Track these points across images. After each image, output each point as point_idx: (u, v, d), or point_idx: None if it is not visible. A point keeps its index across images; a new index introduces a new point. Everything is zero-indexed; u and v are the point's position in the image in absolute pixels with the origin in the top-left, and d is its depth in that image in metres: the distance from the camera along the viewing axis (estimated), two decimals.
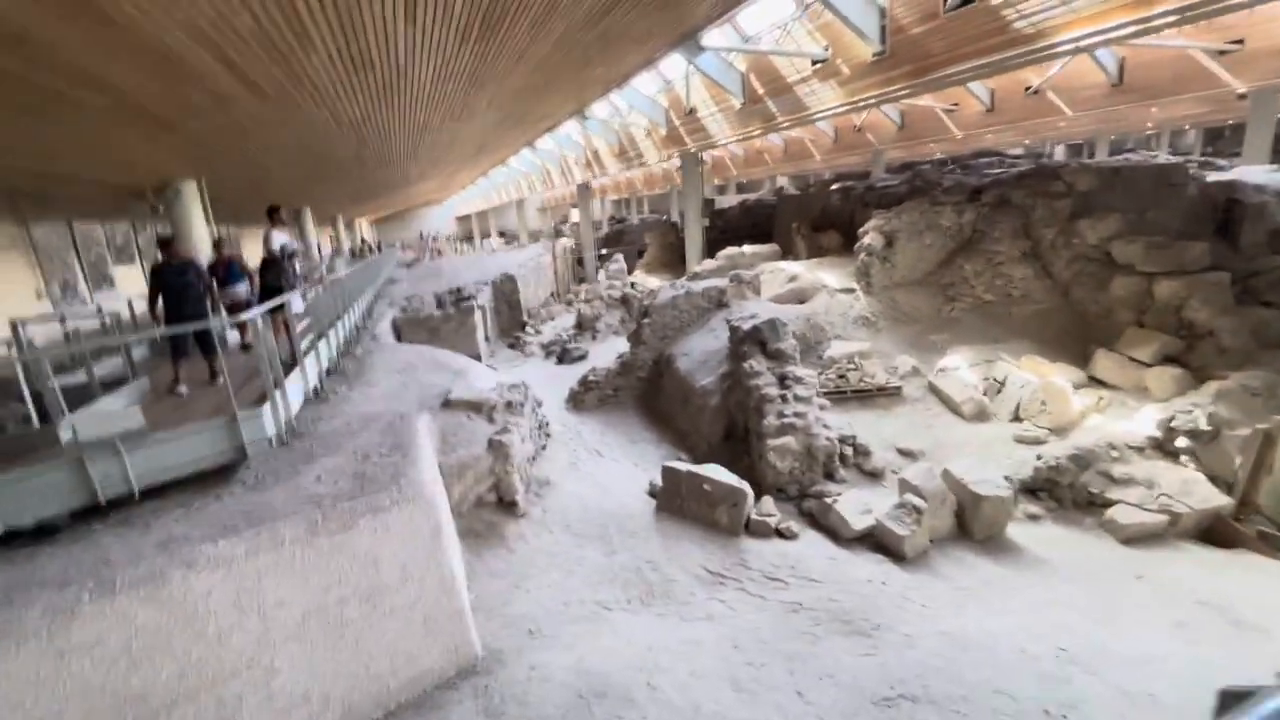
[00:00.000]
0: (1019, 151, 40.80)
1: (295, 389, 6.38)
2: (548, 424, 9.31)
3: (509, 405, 7.92)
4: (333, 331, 9.30)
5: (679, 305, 10.56)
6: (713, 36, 13.41)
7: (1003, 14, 7.79)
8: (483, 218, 58.07)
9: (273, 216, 8.19)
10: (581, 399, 10.78)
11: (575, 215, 62.53)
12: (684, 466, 7.00)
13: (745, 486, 6.69)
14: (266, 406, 5.28)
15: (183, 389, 6.07)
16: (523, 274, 19.21)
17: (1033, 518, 6.73)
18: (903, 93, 9.98)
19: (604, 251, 25.48)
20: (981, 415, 8.47)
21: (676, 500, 6.97)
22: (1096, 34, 6.98)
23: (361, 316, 14.20)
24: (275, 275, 7.39)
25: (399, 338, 14.83)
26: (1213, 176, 11.51)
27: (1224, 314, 7.43)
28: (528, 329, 17.18)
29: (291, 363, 6.83)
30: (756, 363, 8.17)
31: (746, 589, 5.82)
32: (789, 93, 12.11)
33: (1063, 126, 25.86)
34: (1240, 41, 14.51)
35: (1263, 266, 8.20)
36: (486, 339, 16.61)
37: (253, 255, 27.90)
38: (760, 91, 12.89)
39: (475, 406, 7.76)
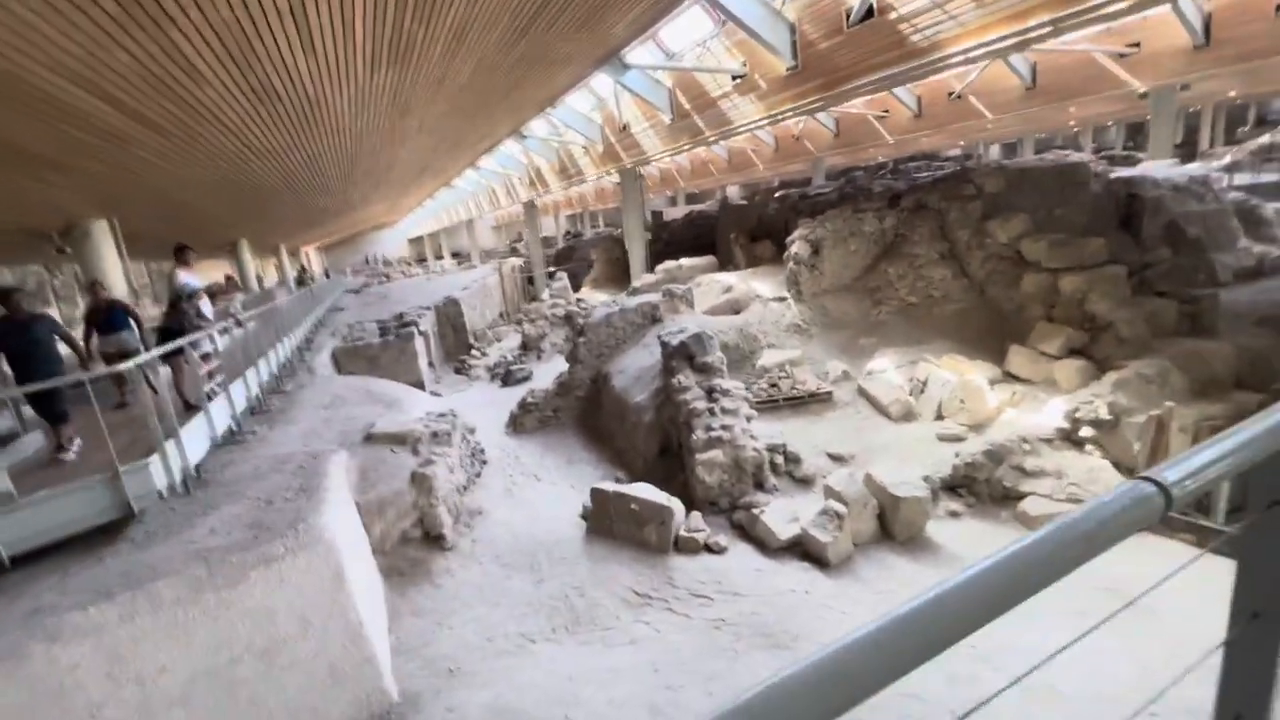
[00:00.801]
0: (955, 152, 42.43)
1: (197, 436, 6.13)
2: (482, 451, 9.17)
3: (435, 436, 7.77)
4: (252, 370, 8.99)
5: (613, 323, 10.56)
6: (637, 55, 13.60)
7: (899, 29, 8.08)
8: (435, 239, 57.38)
9: (179, 256, 7.89)
10: (521, 422, 10.66)
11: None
12: (611, 487, 6.96)
13: (673, 503, 6.68)
14: (155, 458, 5.04)
15: (70, 454, 5.72)
16: (467, 296, 18.99)
17: (953, 515, 6.89)
18: (815, 105, 10.25)
19: (552, 270, 25.41)
20: (908, 416, 8.66)
21: (606, 522, 6.92)
22: (981, 46, 7.29)
23: (295, 350, 13.82)
24: (176, 318, 7.09)
25: (339, 369, 14.46)
26: (1115, 173, 12.14)
27: (1121, 306, 7.78)
28: (473, 352, 16.95)
29: (195, 408, 6.59)
30: (685, 377, 8.21)
31: (672, 608, 5.79)
32: (713, 107, 12.32)
33: (990, 128, 27.04)
34: (1137, 45, 15.37)
35: (1155, 259, 8.63)
36: (431, 365, 16.33)
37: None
38: (687, 107, 13.08)
39: (399, 439, 7.60)
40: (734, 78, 11.37)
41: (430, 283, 27.55)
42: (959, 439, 7.76)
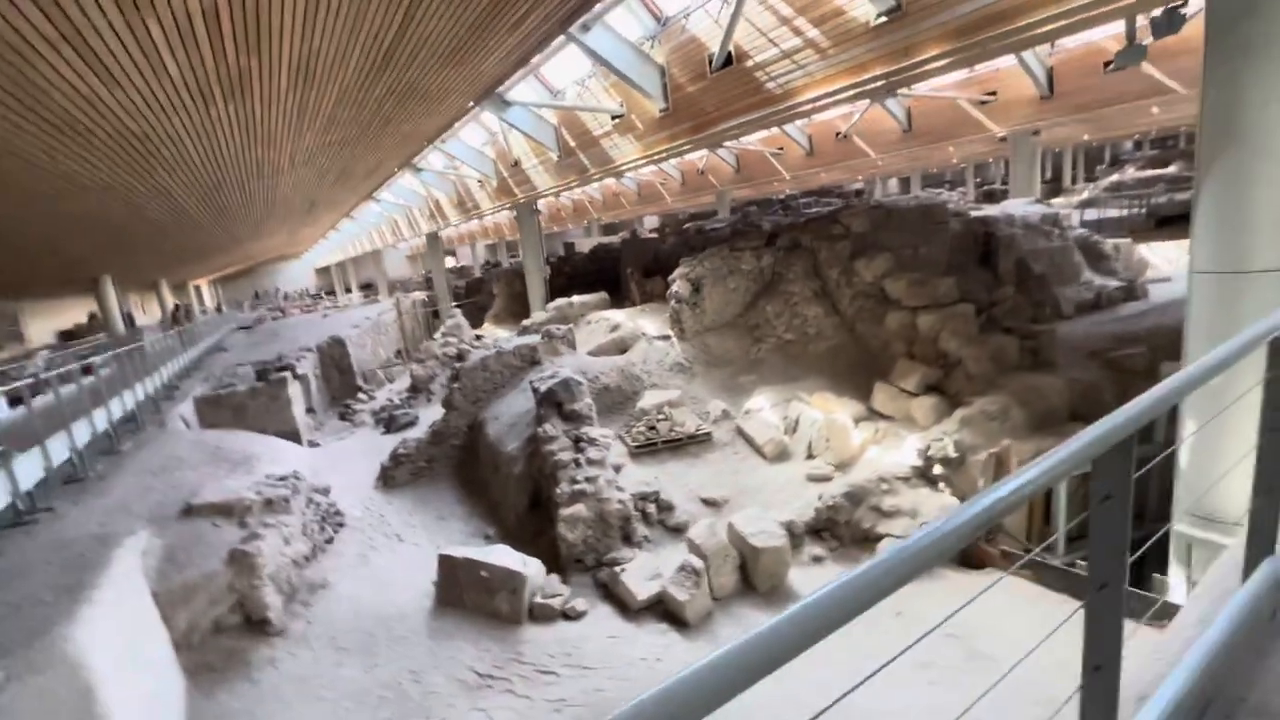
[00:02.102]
0: (858, 186, 44.99)
1: None
2: (338, 513, 8.42)
3: (269, 504, 7.01)
4: (60, 435, 7.89)
5: (489, 366, 10.10)
6: (520, 91, 13.41)
7: (755, 76, 8.25)
8: (343, 270, 54.87)
9: None
10: (392, 475, 9.95)
11: (449, 261, 60.80)
12: (460, 553, 6.45)
13: (528, 567, 6.25)
14: None
15: None
16: (356, 335, 17.96)
17: (816, 559, 6.82)
18: (686, 146, 10.35)
19: (455, 304, 24.60)
20: (782, 455, 8.64)
21: (455, 591, 6.39)
22: (827, 95, 7.53)
23: (143, 402, 12.46)
24: None
25: (202, 422, 13.15)
26: (975, 212, 12.93)
27: (969, 343, 8.11)
28: (360, 395, 15.94)
29: None
30: (552, 426, 7.85)
31: (514, 689, 5.33)
32: (596, 146, 12.27)
33: (882, 164, 28.75)
34: (994, 93, 16.68)
35: (1000, 296, 9.11)
36: (311, 410, 15.20)
37: (45, 331, 24.26)
38: (572, 144, 12.98)
39: (224, 511, 6.79)
40: (613, 117, 11.36)
41: (326, 320, 26.05)
42: (826, 479, 7.77)
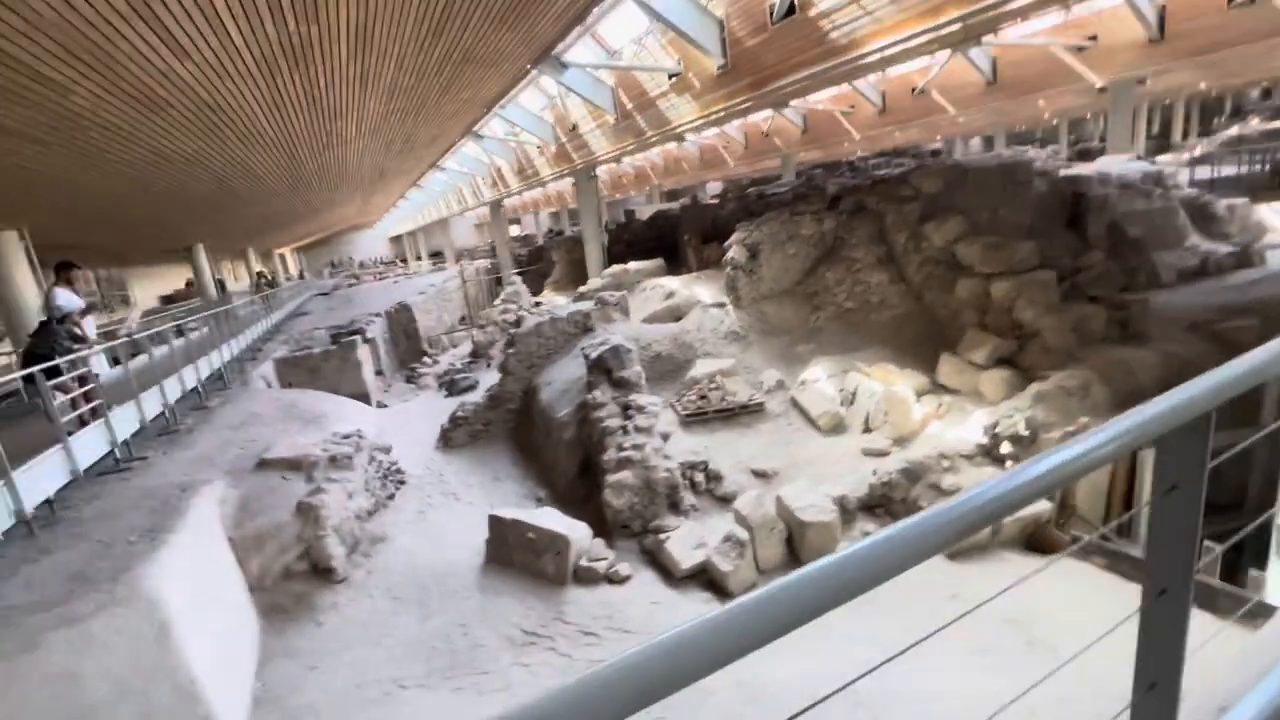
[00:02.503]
0: (936, 146, 42.22)
1: (48, 470, 5.70)
2: (399, 471, 8.79)
3: (333, 460, 7.38)
4: (154, 389, 8.55)
5: (544, 332, 10.19)
6: (577, 53, 13.18)
7: (819, 25, 7.73)
8: (414, 239, 56.72)
9: (60, 273, 7.44)
10: (451, 437, 10.29)
11: (514, 229, 61.79)
12: (510, 514, 6.61)
13: (574, 531, 6.34)
14: None
15: None
16: (421, 301, 18.55)
17: (868, 536, 6.57)
18: (745, 105, 9.90)
19: (520, 271, 24.97)
20: (838, 428, 8.35)
21: (504, 550, 6.57)
22: (897, 43, 6.96)
23: (229, 361, 13.36)
24: (46, 341, 6.63)
25: (281, 381, 14.00)
26: (1064, 171, 11.85)
27: (1048, 312, 7.48)
28: (425, 359, 16.53)
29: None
30: (601, 393, 7.86)
31: (557, 648, 5.46)
32: (653, 107, 11.94)
33: (963, 122, 26.80)
34: (1094, 38, 15.09)
35: (1087, 262, 8.34)
36: (381, 373, 15.89)
37: (149, 296, 26.34)
38: (629, 106, 12.69)
39: (293, 465, 7.21)
40: (670, 76, 10.99)
41: (396, 286, 27.08)
42: (883, 454, 7.45)
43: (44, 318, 7.06)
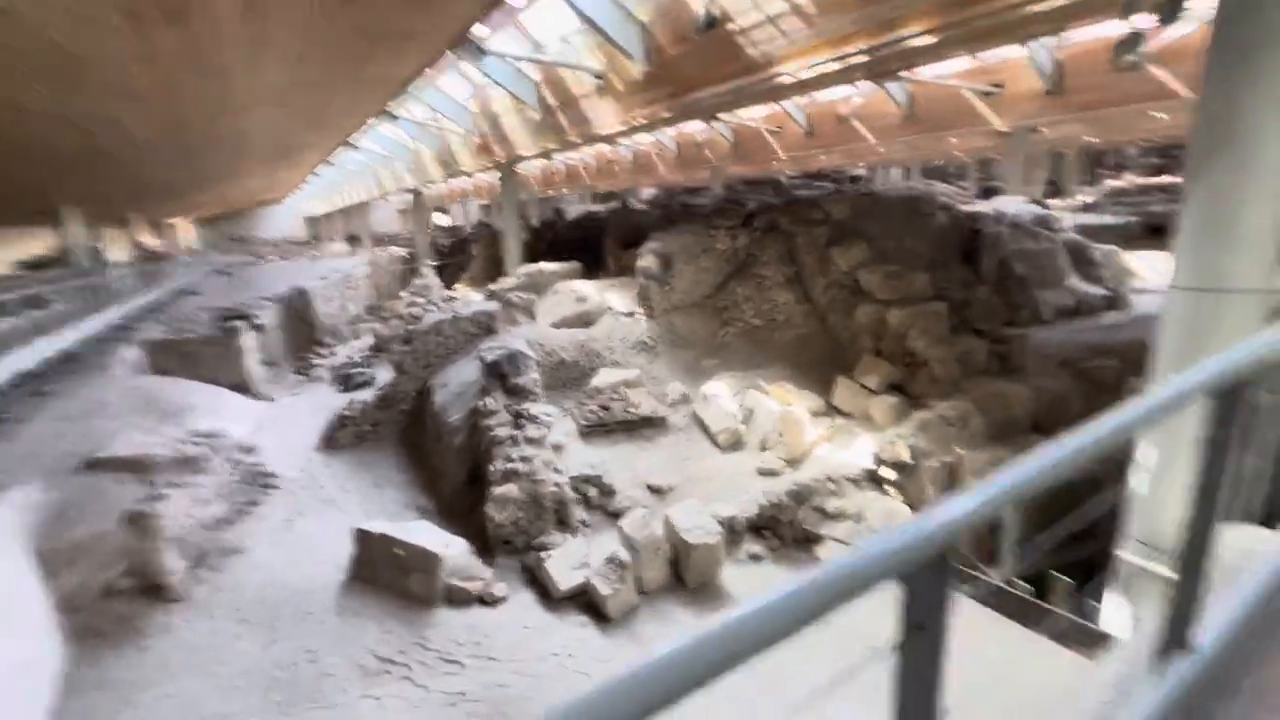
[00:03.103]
0: (862, 172, 44.14)
1: None
2: (265, 474, 8.01)
3: (183, 462, 6.60)
4: None
5: (443, 331, 9.65)
6: (500, 42, 12.68)
7: (738, 41, 7.69)
8: (331, 220, 53.62)
9: None
10: (335, 437, 9.55)
11: (442, 219, 59.58)
12: (378, 528, 6.10)
13: (444, 549, 5.92)
14: None
15: None
16: (322, 287, 17.37)
17: (754, 558, 6.54)
18: (664, 114, 9.77)
19: (440, 264, 23.97)
20: (736, 445, 8.33)
21: (370, 568, 6.06)
22: (810, 66, 7.01)
23: (85, 342, 11.95)
24: None
25: (152, 366, 12.61)
26: (965, 206, 12.49)
27: (937, 343, 7.77)
28: (320, 350, 15.44)
29: None
30: (494, 399, 7.47)
31: (413, 677, 5.03)
32: (575, 107, 11.63)
33: (881, 152, 28.09)
34: (1000, 84, 16.08)
35: (974, 296, 8.75)
36: (270, 363, 14.69)
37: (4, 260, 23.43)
38: (553, 104, 12.33)
39: (131, 466, 6.39)
40: (595, 76, 10.72)
41: (302, 269, 25.37)
42: (775, 474, 7.47)
43: None
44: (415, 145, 21.29)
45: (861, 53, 6.32)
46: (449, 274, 25.06)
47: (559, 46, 11.60)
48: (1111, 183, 29.25)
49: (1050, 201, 22.09)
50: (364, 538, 6.07)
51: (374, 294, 21.19)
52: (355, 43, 10.10)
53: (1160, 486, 5.16)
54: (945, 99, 17.32)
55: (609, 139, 14.73)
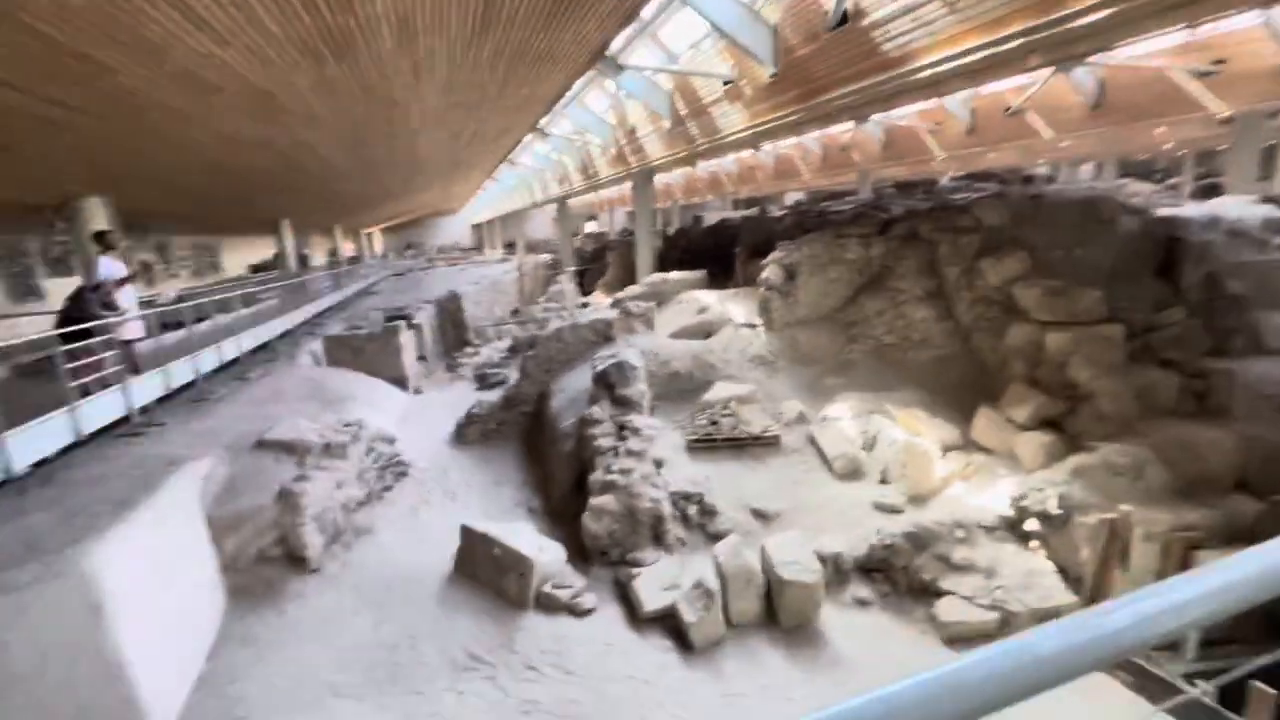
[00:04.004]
0: (1042, 170, 39.16)
1: (50, 429, 5.96)
2: (399, 463, 8.79)
3: (327, 447, 7.43)
4: (186, 359, 8.95)
5: (564, 338, 9.97)
6: (637, 55, 12.90)
7: (872, 35, 7.07)
8: (491, 227, 58.43)
9: (100, 240, 7.88)
10: (464, 432, 10.26)
11: (591, 226, 62.60)
12: (480, 527, 6.39)
13: (539, 554, 6.05)
14: None
15: None
16: (473, 291, 18.85)
17: (861, 603, 5.93)
18: (793, 117, 9.27)
19: (579, 269, 25.05)
20: (854, 474, 7.65)
21: (472, 563, 6.37)
22: (952, 58, 6.21)
23: (279, 335, 13.98)
24: (78, 307, 6.99)
25: (328, 359, 14.51)
26: (1163, 210, 10.50)
27: (1108, 373, 6.50)
28: (467, 350, 16.76)
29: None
30: (601, 408, 7.54)
31: (496, 679, 5.18)
32: (705, 114, 11.48)
33: (1064, 147, 24.65)
34: (1222, 61, 13.37)
35: (1164, 319, 7.24)
36: (423, 359, 16.23)
37: (239, 264, 28.20)
38: (683, 113, 12.29)
39: (288, 448, 7.30)
40: (725, 83, 10.51)
41: (463, 272, 27.87)
42: (895, 510, 6.74)
43: (83, 283, 7.47)
44: (560, 157, 22.46)
45: (1016, 36, 5.48)
46: (590, 280, 26.10)
47: (690, 54, 11.55)
48: None
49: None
50: (468, 534, 6.40)
51: (520, 298, 22.63)
52: (496, 66, 10.79)
53: None
54: (1146, 83, 14.80)
55: (737, 146, 14.37)
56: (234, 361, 11.41)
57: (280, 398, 9.67)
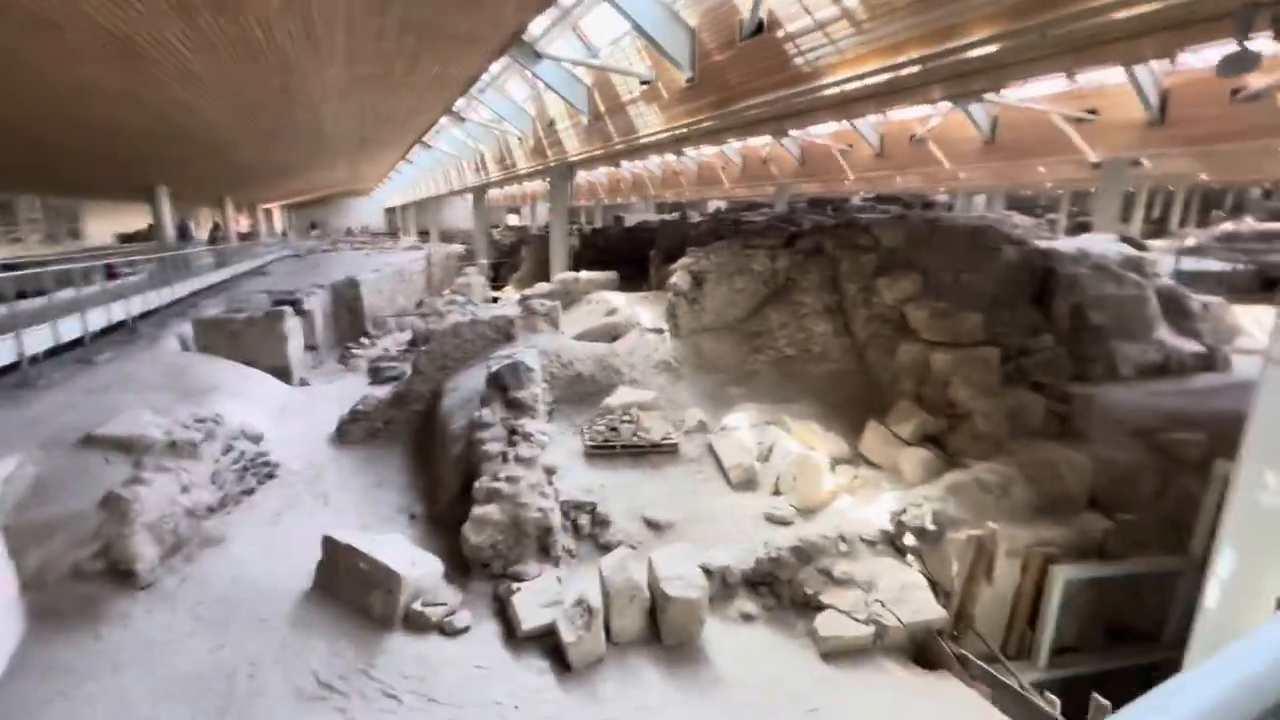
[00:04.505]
0: (942, 198, 41.93)
1: None
2: (266, 463, 7.96)
3: (173, 445, 6.56)
4: (9, 337, 7.71)
5: (463, 334, 9.43)
6: (558, 45, 12.52)
7: (785, 48, 7.10)
8: (405, 213, 55.91)
9: None
10: (347, 430, 9.49)
11: (513, 219, 61.16)
12: (344, 538, 5.82)
13: (409, 569, 5.57)
14: None
15: None
16: (374, 279, 17.73)
17: (746, 617, 5.86)
18: (707, 123, 9.25)
19: (494, 262, 24.21)
20: (749, 484, 7.65)
21: (334, 578, 5.79)
22: (857, 78, 6.32)
23: (135, 316, 12.50)
24: None
25: (200, 344, 13.09)
26: (1041, 242, 11.32)
27: (984, 395, 6.84)
28: (363, 341, 15.70)
29: None
30: (491, 411, 7.12)
31: (347, 709, 4.67)
32: (622, 113, 11.28)
33: (962, 178, 26.46)
34: (1094, 111, 14.67)
35: (1037, 344, 7.74)
36: (314, 348, 15.05)
37: (105, 232, 25.32)
38: (601, 109, 12.03)
39: (123, 445, 6.39)
40: (642, 82, 10.34)
41: (368, 258, 26.24)
42: (785, 522, 6.76)
43: None
44: (477, 145, 21.63)
45: (913, 63, 5.60)
46: (506, 274, 25.31)
47: (610, 50, 11.31)
48: (1225, 226, 26.43)
49: (1152, 242, 20.04)
50: (330, 546, 5.81)
51: (427, 288, 21.56)
52: (404, 40, 10.11)
53: (1238, 599, 4.21)
54: (1032, 124, 16.01)
55: (656, 148, 14.30)
56: (78, 342, 10.03)
57: (127, 385, 8.55)
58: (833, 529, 6.16)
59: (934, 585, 5.68)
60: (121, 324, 11.92)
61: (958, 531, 5.63)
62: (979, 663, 5.03)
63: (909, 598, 5.56)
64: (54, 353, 9.51)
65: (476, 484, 6.49)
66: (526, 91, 16.19)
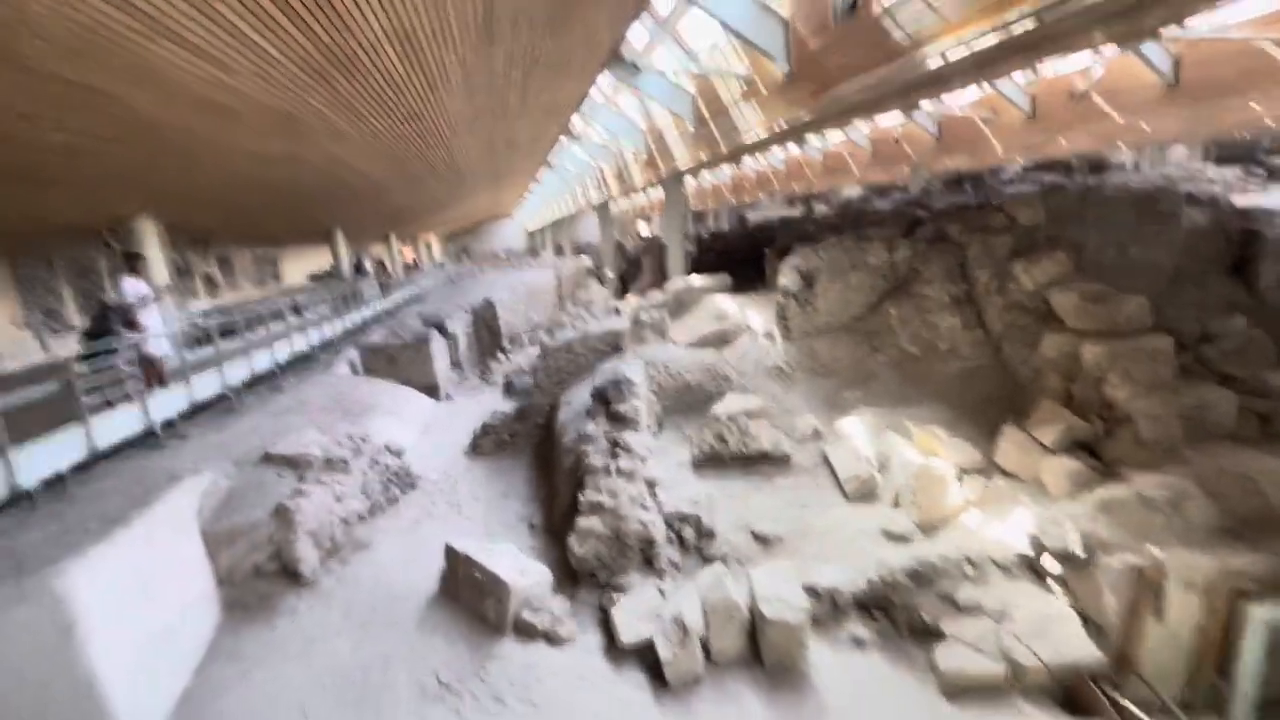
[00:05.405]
0: (1125, 159, 36.04)
1: (63, 445, 6.27)
2: (407, 475, 8.84)
3: (328, 462, 7.53)
4: (212, 371, 9.33)
5: (574, 349, 9.81)
6: (659, 56, 12.62)
7: (882, 24, 6.55)
8: (544, 233, 59.32)
9: (129, 262, 8.30)
10: (479, 443, 10.27)
11: (644, 228, 62.67)
12: (462, 548, 6.28)
13: (518, 578, 5.88)
14: None
15: None
16: (508, 298, 19.02)
17: (857, 642, 5.45)
18: (806, 116, 8.76)
19: (622, 273, 24.93)
20: (867, 496, 7.12)
21: (455, 584, 6.28)
22: (962, 43, 5.64)
23: (317, 345, 14.46)
24: (99, 326, 7.37)
25: (365, 368, 14.92)
26: (1240, 201, 9.37)
27: (1150, 392, 5.73)
28: (500, 356, 16.91)
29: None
30: (596, 425, 7.33)
31: (461, 710, 5.04)
32: (724, 115, 11.08)
33: (1146, 131, 22.62)
34: None
35: (1225, 329, 6.35)
36: (458, 365, 16.50)
37: (299, 273, 29.53)
38: (705, 115, 11.92)
39: (291, 462, 7.44)
40: (743, 82, 10.08)
41: (505, 276, 28.28)
42: (905, 539, 6.20)
43: (105, 302, 7.89)
44: (597, 163, 22.42)
45: (1023, 17, 4.89)
46: (632, 282, 25.94)
47: (709, 53, 11.17)
48: None
49: None
50: (451, 554, 6.31)
51: (559, 303, 22.72)
52: (511, 73, 10.75)
53: None
54: (1228, 57, 13.31)
55: (754, 148, 13.85)
56: (276, 372, 11.84)
57: (301, 409, 9.94)
58: (957, 548, 5.54)
59: (1085, 619, 4.89)
60: (305, 355, 13.90)
61: (1111, 556, 4.80)
62: (1143, 717, 4.24)
63: (1052, 632, 4.83)
64: (255, 382, 11.36)
65: (581, 496, 6.70)
66: (637, 106, 16.51)
